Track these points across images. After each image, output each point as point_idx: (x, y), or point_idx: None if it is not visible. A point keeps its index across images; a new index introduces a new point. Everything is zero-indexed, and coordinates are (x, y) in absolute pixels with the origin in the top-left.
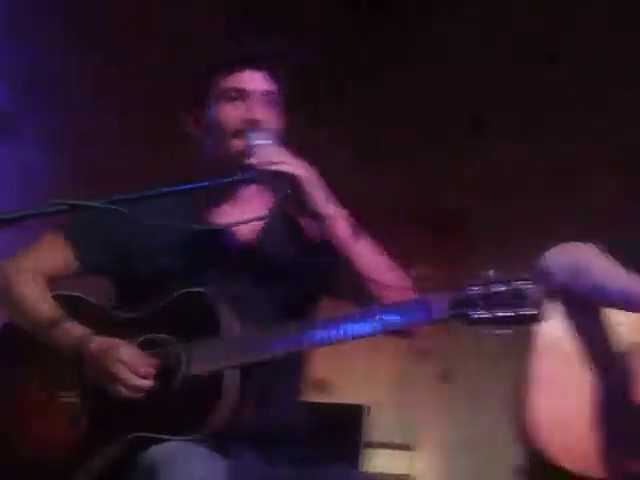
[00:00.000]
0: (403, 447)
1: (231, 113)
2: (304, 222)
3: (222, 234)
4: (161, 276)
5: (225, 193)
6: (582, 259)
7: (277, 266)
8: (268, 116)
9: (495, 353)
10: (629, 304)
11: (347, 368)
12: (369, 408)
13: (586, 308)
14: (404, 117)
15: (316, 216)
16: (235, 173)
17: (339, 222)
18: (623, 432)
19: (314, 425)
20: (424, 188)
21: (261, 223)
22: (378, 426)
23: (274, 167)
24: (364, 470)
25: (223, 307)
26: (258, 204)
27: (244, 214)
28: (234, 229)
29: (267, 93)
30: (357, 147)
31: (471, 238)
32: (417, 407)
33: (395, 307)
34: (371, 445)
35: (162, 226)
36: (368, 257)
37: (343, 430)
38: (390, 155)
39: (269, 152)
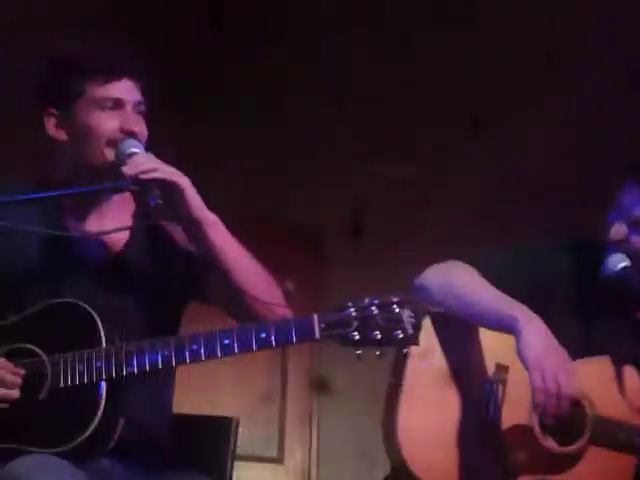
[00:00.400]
0: (271, 460)
1: (106, 122)
2: (173, 230)
3: (88, 242)
4: (24, 284)
5: (91, 201)
6: (455, 277)
7: (146, 275)
8: (141, 126)
9: (366, 365)
10: (496, 323)
11: (216, 381)
12: (238, 420)
13: (457, 325)
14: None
15: (192, 222)
16: (104, 181)
17: (216, 227)
18: (484, 452)
19: (182, 436)
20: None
21: (128, 232)
22: (246, 439)
23: (151, 174)
24: None
25: (93, 318)
26: (124, 213)
27: (110, 223)
28: (102, 238)
29: (139, 103)
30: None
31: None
32: (285, 420)
33: (271, 325)
34: (239, 458)
35: (24, 233)
36: (244, 266)
37: (211, 442)
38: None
39: (144, 160)
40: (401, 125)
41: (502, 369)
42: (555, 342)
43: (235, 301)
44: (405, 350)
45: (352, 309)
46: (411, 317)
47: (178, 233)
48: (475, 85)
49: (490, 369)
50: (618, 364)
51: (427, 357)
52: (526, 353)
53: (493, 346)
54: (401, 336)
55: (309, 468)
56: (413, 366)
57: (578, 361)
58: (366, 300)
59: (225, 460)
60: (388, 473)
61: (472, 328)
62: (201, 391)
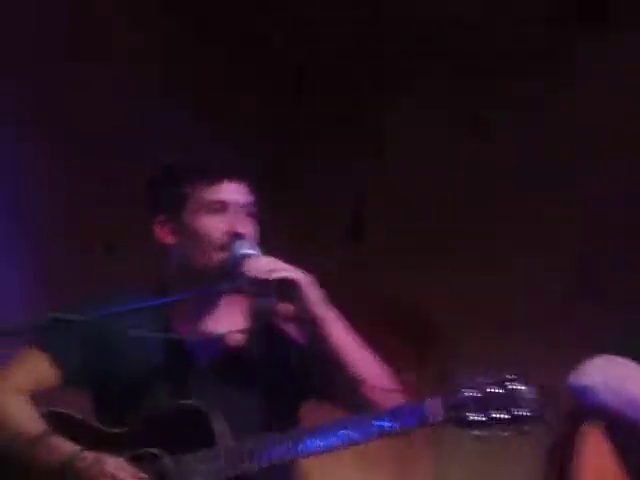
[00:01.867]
0: None
1: (215, 226)
2: (288, 327)
3: (203, 343)
4: (141, 389)
5: (201, 304)
6: (623, 376)
7: (263, 373)
8: (249, 228)
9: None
10: None
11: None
12: None
13: (628, 427)
14: None
15: (312, 319)
16: (213, 283)
17: (335, 324)
18: None
19: None
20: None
21: (246, 333)
22: None
23: (273, 275)
24: None
25: (214, 418)
26: (235, 314)
27: (223, 323)
28: (219, 338)
29: (247, 205)
30: None
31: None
32: None
33: (390, 413)
34: None
35: (140, 338)
36: (361, 359)
37: None
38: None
39: (262, 261)
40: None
41: None
42: None
43: (352, 394)
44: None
45: (469, 390)
46: (531, 393)
47: (293, 330)
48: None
49: None
50: None
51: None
52: None
53: None
54: (522, 413)
55: None
56: (581, 469)
57: None
58: (484, 377)
59: None
60: None
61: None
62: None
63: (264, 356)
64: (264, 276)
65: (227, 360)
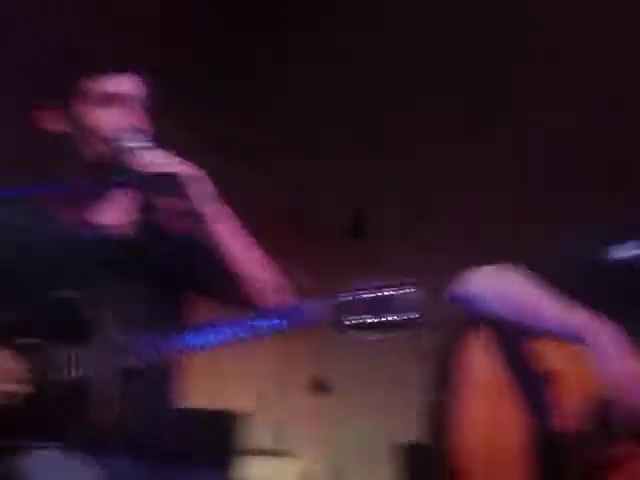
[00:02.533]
0: (277, 453)
1: (107, 118)
2: (176, 222)
3: (88, 235)
4: (26, 278)
5: (91, 195)
6: (510, 285)
7: (149, 265)
8: (143, 121)
9: (369, 359)
10: (562, 334)
11: (220, 377)
12: (245, 415)
13: (511, 335)
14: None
15: (201, 214)
16: (104, 175)
17: (223, 221)
18: (544, 463)
19: (187, 430)
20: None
21: (128, 224)
22: (252, 433)
23: (164, 168)
24: (238, 477)
25: (102, 311)
26: (124, 206)
27: (110, 216)
28: (106, 229)
29: (141, 98)
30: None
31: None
32: (292, 414)
33: (271, 312)
34: (246, 452)
35: (25, 227)
36: (247, 258)
37: (217, 436)
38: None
39: (154, 154)
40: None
41: (553, 375)
42: (628, 352)
43: (236, 292)
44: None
45: (365, 292)
46: (425, 300)
47: (180, 224)
48: (476, 85)
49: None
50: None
51: (479, 364)
52: (604, 367)
53: (544, 351)
54: (412, 319)
55: (317, 461)
56: (465, 372)
57: None
58: (376, 283)
59: (230, 454)
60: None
61: (523, 336)
62: (206, 387)
63: (148, 248)
64: (155, 170)
65: (112, 252)
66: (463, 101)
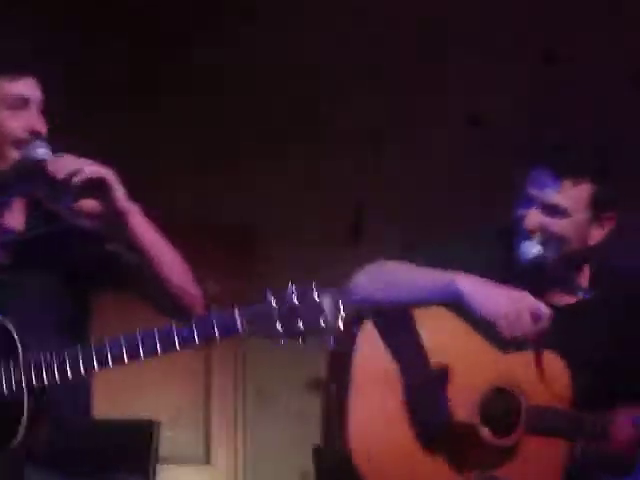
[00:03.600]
0: (198, 461)
1: (12, 122)
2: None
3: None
4: None
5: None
6: (383, 269)
7: (56, 269)
8: (44, 125)
9: (284, 363)
10: (438, 295)
11: (137, 384)
12: (160, 423)
13: (399, 324)
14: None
15: (118, 213)
16: (11, 184)
17: (138, 216)
18: (433, 453)
19: (105, 441)
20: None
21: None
22: (171, 441)
23: (79, 176)
24: None
25: (11, 328)
26: (24, 213)
27: (14, 223)
28: (12, 235)
29: (42, 101)
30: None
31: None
32: (211, 421)
33: (191, 323)
34: (165, 460)
35: None
36: (162, 255)
37: (134, 445)
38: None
39: (68, 161)
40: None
41: (442, 368)
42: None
43: (152, 288)
44: (332, 344)
45: (273, 300)
46: (332, 304)
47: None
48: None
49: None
50: (538, 350)
51: (368, 359)
52: (480, 308)
53: (432, 346)
54: (323, 325)
55: (235, 469)
56: (356, 368)
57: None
58: (287, 290)
59: (148, 463)
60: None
61: (411, 327)
62: (122, 395)
63: (56, 252)
64: (70, 177)
65: (18, 259)
66: None
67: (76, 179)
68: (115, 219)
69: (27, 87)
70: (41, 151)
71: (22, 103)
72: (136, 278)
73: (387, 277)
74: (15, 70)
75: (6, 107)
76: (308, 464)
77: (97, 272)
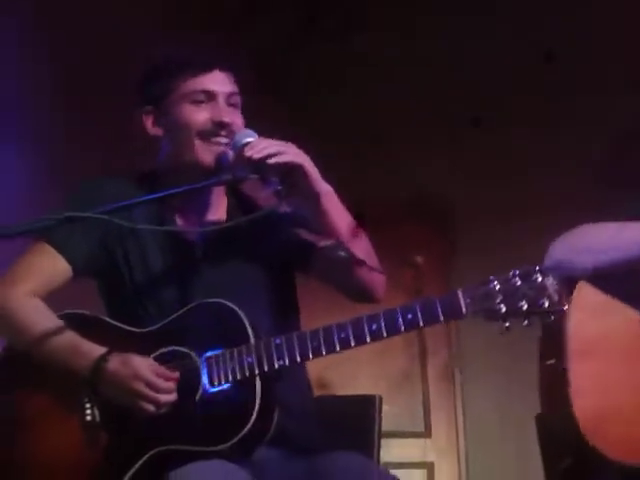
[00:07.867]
0: (418, 435)
1: (197, 114)
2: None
3: (201, 236)
4: (149, 283)
5: (194, 197)
6: (586, 233)
7: (261, 254)
8: (233, 117)
9: (500, 342)
10: None
11: (356, 362)
12: (381, 398)
13: (615, 283)
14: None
15: (314, 195)
16: (212, 175)
17: (334, 198)
18: None
19: (328, 418)
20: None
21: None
22: (391, 416)
23: (278, 158)
24: (381, 460)
25: (237, 314)
26: (220, 207)
27: (219, 214)
28: (219, 227)
29: (232, 95)
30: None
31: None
32: (429, 395)
33: (415, 306)
34: (386, 435)
35: (145, 232)
36: (352, 235)
37: (357, 421)
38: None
39: (266, 144)
40: None
41: None
42: None
43: (343, 271)
44: (552, 318)
45: (495, 282)
46: (555, 285)
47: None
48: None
49: None
50: None
51: (584, 323)
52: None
53: None
54: (547, 304)
55: (457, 441)
56: (571, 337)
57: None
58: (509, 272)
59: (372, 438)
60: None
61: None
62: (341, 373)
63: (259, 235)
64: (269, 161)
65: (224, 247)
66: None
67: (272, 161)
68: (311, 200)
69: (212, 81)
70: (245, 139)
71: (207, 97)
72: (330, 262)
73: (595, 242)
74: (200, 66)
75: (192, 102)
76: (524, 435)
77: (297, 257)
